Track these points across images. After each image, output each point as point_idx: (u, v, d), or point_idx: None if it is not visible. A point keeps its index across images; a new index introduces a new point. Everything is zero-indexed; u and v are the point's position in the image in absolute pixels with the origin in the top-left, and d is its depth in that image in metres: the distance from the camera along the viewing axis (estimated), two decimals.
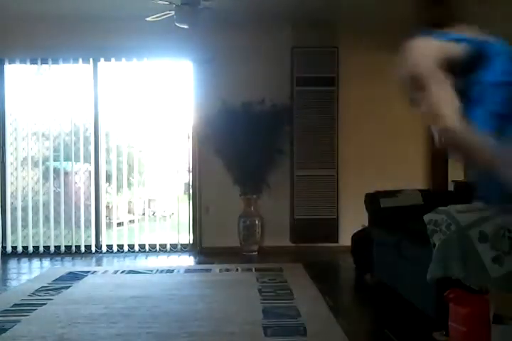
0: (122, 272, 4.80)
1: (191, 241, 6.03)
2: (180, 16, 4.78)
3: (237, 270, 4.81)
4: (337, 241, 5.70)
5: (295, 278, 4.40)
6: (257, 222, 5.77)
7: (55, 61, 5.90)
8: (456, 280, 2.75)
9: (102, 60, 5.92)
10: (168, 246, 5.98)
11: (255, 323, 3.17)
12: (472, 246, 2.75)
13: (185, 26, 4.89)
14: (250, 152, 5.62)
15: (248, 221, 5.75)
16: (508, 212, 1.93)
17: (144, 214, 6.56)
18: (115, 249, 5.95)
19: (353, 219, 5.49)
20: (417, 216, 3.28)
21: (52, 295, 3.93)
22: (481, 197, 1.90)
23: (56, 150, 6.03)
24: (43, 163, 6.05)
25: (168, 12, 4.82)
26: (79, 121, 6.08)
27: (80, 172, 6.19)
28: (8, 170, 5.97)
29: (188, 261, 5.60)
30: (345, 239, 5.39)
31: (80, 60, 5.90)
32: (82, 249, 5.94)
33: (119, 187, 6.33)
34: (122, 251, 5.94)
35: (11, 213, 5.97)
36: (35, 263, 5.48)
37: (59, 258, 5.71)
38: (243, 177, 5.78)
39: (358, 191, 4.84)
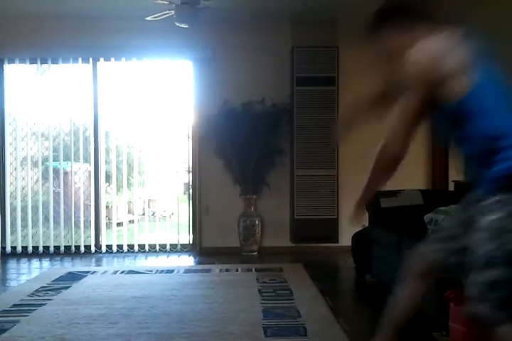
0: (122, 272, 4.80)
1: (191, 242, 6.03)
2: (180, 16, 4.78)
3: (237, 270, 4.81)
4: (337, 241, 5.69)
5: (295, 278, 4.39)
6: (257, 222, 5.76)
7: (55, 61, 5.89)
8: (457, 280, 2.75)
9: (102, 59, 5.92)
10: (167, 247, 5.97)
11: (255, 323, 3.17)
12: None
13: (185, 26, 4.89)
14: (250, 152, 5.61)
15: (248, 221, 5.74)
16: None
17: (143, 214, 6.56)
18: (115, 249, 5.94)
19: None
20: (418, 216, 3.29)
21: (52, 295, 3.93)
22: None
23: (56, 150, 6.03)
24: (43, 163, 6.04)
25: (167, 11, 4.82)
26: (78, 121, 6.08)
27: (80, 172, 6.19)
28: (8, 170, 5.96)
29: (187, 261, 5.59)
30: (345, 239, 5.38)
31: (80, 59, 5.89)
32: (82, 249, 5.93)
33: (118, 187, 6.33)
34: (122, 252, 5.93)
35: (11, 213, 5.96)
36: (35, 263, 5.47)
37: (58, 258, 5.70)
38: (243, 177, 5.77)
39: (358, 191, 4.80)
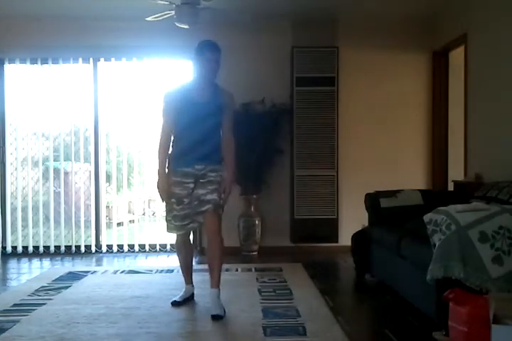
0: (122, 272, 4.80)
1: (191, 241, 6.01)
2: (180, 16, 4.79)
3: (237, 270, 4.81)
4: (337, 241, 5.69)
5: (295, 278, 4.40)
6: (257, 222, 5.77)
7: (55, 61, 5.90)
8: (456, 280, 2.76)
9: (102, 59, 5.92)
10: (168, 246, 5.97)
11: (255, 323, 3.17)
12: (472, 246, 2.76)
13: (185, 26, 4.89)
14: (250, 152, 5.61)
15: (248, 221, 5.74)
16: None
17: (144, 214, 6.57)
18: (115, 248, 5.95)
19: (353, 219, 5.50)
20: (417, 216, 3.28)
21: (52, 295, 3.93)
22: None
23: (56, 150, 6.03)
24: (43, 163, 6.05)
25: (168, 12, 4.83)
26: (79, 121, 6.08)
27: (80, 172, 6.19)
28: (8, 170, 5.97)
29: None
30: (345, 239, 5.39)
31: (80, 59, 5.90)
32: (82, 248, 5.94)
33: (119, 187, 6.34)
34: (122, 251, 5.94)
35: (11, 213, 5.97)
36: (35, 263, 5.48)
37: (59, 258, 5.71)
38: (243, 177, 5.77)
39: (358, 191, 4.84)
